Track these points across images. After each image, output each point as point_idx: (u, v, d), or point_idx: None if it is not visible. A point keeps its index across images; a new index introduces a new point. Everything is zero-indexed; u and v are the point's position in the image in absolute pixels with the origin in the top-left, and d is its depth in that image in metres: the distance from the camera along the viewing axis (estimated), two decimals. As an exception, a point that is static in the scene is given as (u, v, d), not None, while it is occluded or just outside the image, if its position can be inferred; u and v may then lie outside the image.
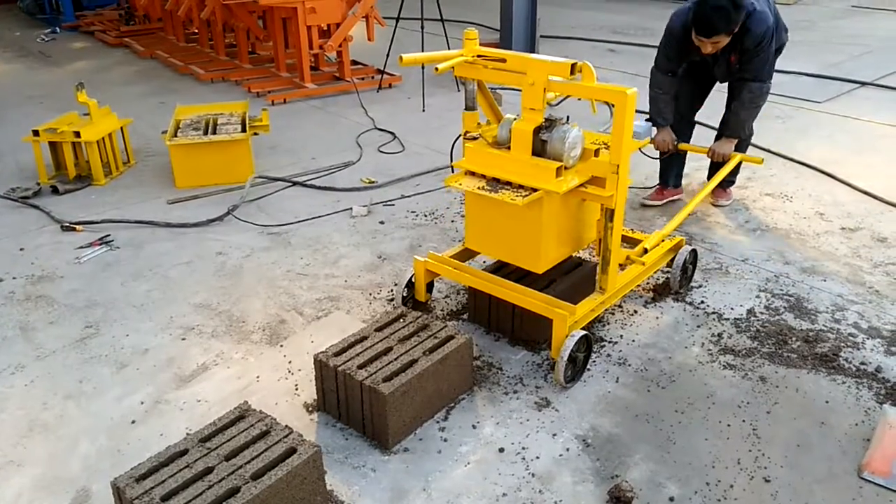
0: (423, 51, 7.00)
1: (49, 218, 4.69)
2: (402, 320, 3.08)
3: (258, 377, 3.18)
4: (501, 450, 2.75)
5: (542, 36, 8.54)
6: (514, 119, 3.13)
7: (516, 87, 3.09)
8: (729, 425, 2.86)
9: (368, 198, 4.94)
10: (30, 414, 2.98)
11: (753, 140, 5.67)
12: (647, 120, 4.08)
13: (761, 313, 3.58)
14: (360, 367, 2.78)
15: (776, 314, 3.57)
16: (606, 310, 3.53)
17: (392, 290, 3.81)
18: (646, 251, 3.38)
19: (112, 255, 4.24)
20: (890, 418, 2.76)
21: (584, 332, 3.05)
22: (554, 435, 2.82)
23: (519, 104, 3.10)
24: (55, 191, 5.08)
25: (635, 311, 3.61)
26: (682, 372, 3.17)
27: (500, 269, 3.44)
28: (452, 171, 3.31)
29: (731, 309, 3.62)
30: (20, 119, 6.56)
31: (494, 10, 8.62)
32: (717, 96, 4.65)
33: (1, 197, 4.99)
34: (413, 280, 3.54)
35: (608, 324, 3.51)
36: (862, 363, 3.21)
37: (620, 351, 3.31)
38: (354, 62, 8.17)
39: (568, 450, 2.75)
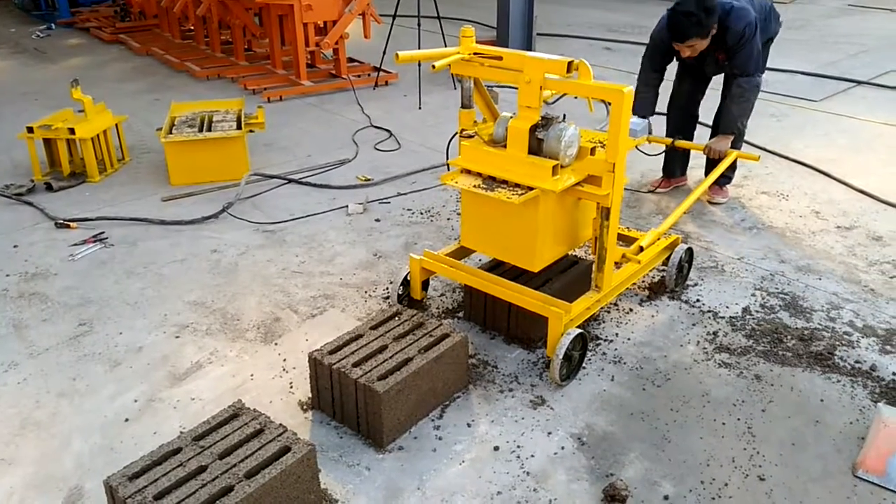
0: (419, 48, 7.00)
1: (43, 215, 4.67)
2: (397, 318, 3.07)
3: (252, 375, 3.17)
4: (496, 448, 2.75)
5: (538, 34, 8.54)
6: (511, 117, 3.12)
7: (513, 85, 3.08)
8: (724, 424, 2.86)
9: (364, 195, 4.92)
10: (22, 412, 2.96)
11: (750, 138, 5.70)
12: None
13: (756, 312, 3.58)
14: (355, 365, 2.77)
15: (771, 312, 3.57)
16: (602, 308, 3.52)
17: (387, 289, 3.80)
18: (641, 249, 3.38)
19: (106, 253, 4.22)
20: (884, 417, 2.75)
21: (579, 331, 3.05)
22: (549, 433, 2.82)
23: (516, 102, 3.09)
24: (49, 188, 5.05)
25: (631, 310, 3.61)
26: (678, 370, 3.17)
27: (496, 267, 3.44)
28: (448, 169, 3.31)
29: (727, 307, 3.62)
30: (14, 116, 6.53)
31: (491, 7, 8.61)
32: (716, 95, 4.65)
33: (-5, 194, 4.97)
34: (409, 278, 3.53)
35: (603, 322, 3.51)
36: (857, 362, 3.21)
37: (616, 349, 3.31)
38: (351, 59, 8.15)
39: (563, 448, 2.74)
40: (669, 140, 4.27)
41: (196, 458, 2.33)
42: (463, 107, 3.35)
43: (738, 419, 2.88)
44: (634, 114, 4.25)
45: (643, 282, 3.83)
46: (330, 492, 2.55)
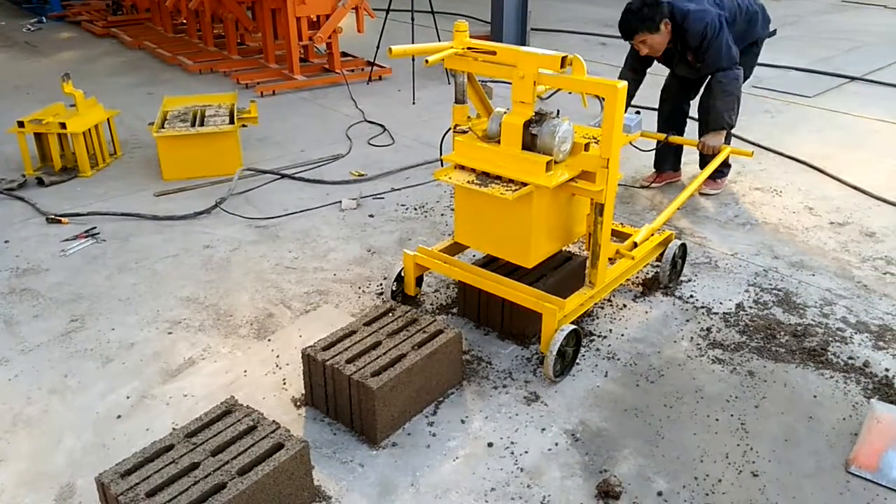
0: (413, 43, 6.98)
1: (34, 210, 4.64)
2: (391, 314, 3.06)
3: (245, 371, 3.15)
4: (490, 444, 2.74)
5: (532, 29, 8.52)
6: (505, 113, 3.11)
7: (507, 80, 3.07)
8: (717, 420, 2.87)
9: (358, 191, 4.91)
10: (13, 409, 2.95)
11: (743, 134, 5.72)
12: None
13: (750, 308, 3.59)
14: (349, 361, 2.76)
15: (765, 308, 3.58)
16: (596, 304, 3.52)
17: (381, 284, 3.79)
18: (635, 245, 3.37)
19: (98, 248, 4.19)
20: (877, 413, 2.77)
21: (573, 327, 3.05)
22: (543, 429, 2.81)
23: (510, 97, 3.08)
24: (41, 182, 5.02)
25: (624, 306, 3.60)
26: (671, 366, 3.17)
27: (490, 263, 3.43)
28: (442, 165, 3.30)
29: (720, 303, 3.62)
30: (5, 110, 6.47)
31: (485, 2, 8.58)
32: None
33: (-15, 189, 4.94)
34: (402, 274, 3.53)
35: (597, 318, 3.50)
36: (850, 358, 3.22)
37: (609, 345, 3.31)
38: (344, 54, 8.12)
39: (557, 444, 2.74)
40: (663, 136, 4.28)
41: (188, 455, 2.32)
42: (457, 102, 3.33)
43: (732, 415, 2.89)
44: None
45: (637, 278, 3.83)
46: (323, 488, 2.55)
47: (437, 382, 2.93)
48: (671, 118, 4.76)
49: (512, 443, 2.75)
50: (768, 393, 3.01)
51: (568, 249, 3.60)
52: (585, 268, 3.28)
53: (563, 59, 2.84)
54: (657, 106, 4.85)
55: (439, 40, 3.44)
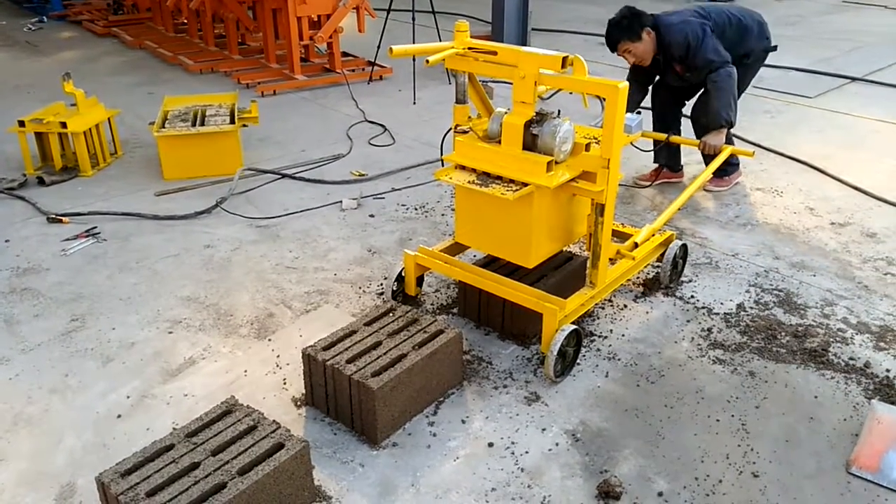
0: (414, 43, 6.98)
1: (35, 209, 4.64)
2: (391, 314, 3.06)
3: (246, 371, 3.15)
4: (491, 444, 2.74)
5: (533, 29, 8.52)
6: (505, 113, 3.11)
7: (507, 80, 3.06)
8: (718, 420, 2.86)
9: (358, 191, 4.91)
10: (14, 408, 2.94)
11: (744, 135, 5.72)
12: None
13: (751, 308, 3.58)
14: (349, 361, 2.76)
15: (766, 309, 3.57)
16: (596, 304, 3.52)
17: (382, 284, 3.79)
18: (636, 245, 3.37)
19: (98, 248, 4.19)
20: (878, 413, 2.76)
21: (574, 327, 3.04)
22: (543, 430, 2.81)
23: (510, 97, 3.08)
24: (41, 182, 5.02)
25: (625, 306, 3.60)
26: (672, 367, 3.17)
27: (491, 263, 3.43)
28: (443, 165, 3.29)
29: (721, 304, 3.62)
30: (6, 109, 6.47)
31: (486, 2, 8.57)
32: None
33: (-14, 188, 4.94)
34: (403, 274, 3.52)
35: (598, 318, 3.50)
36: (851, 358, 3.21)
37: (610, 346, 3.31)
38: (345, 54, 8.12)
39: (557, 444, 2.74)
40: (664, 135, 4.29)
41: (189, 455, 2.32)
42: (458, 102, 3.33)
43: (733, 416, 2.89)
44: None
45: (637, 278, 3.82)
46: (324, 488, 2.54)
47: (438, 382, 2.93)
48: (665, 119, 4.78)
49: (512, 443, 2.75)
50: (769, 393, 3.01)
51: (568, 250, 3.60)
52: (586, 268, 3.27)
53: (564, 59, 2.84)
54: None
55: (440, 40, 3.45)
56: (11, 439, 2.78)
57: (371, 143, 5.83)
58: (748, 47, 4.46)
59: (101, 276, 3.89)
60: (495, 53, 3.07)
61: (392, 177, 5.16)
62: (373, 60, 7.64)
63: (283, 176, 5.15)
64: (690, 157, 5.07)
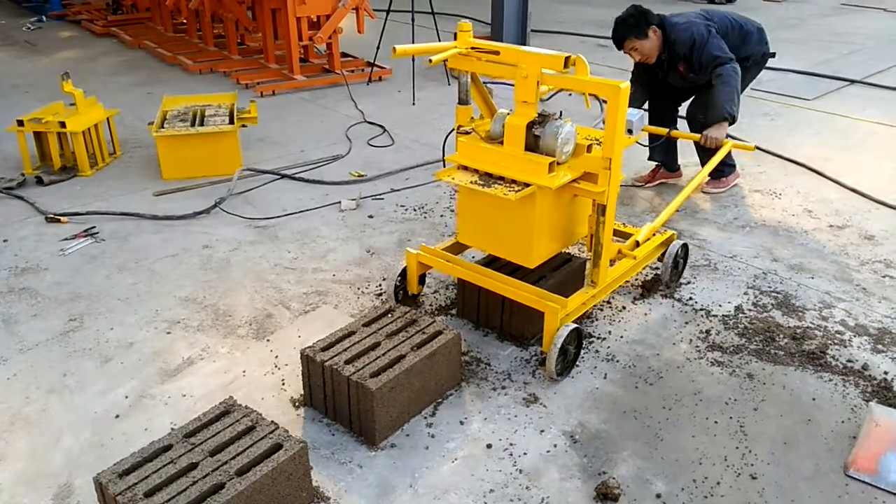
0: (413, 44, 6.98)
1: (33, 209, 4.63)
2: (390, 315, 3.06)
3: (244, 372, 3.15)
4: (489, 446, 2.74)
5: (532, 30, 8.52)
6: (508, 114, 3.12)
7: (507, 81, 3.07)
8: (716, 422, 2.87)
9: (357, 191, 4.91)
10: (11, 408, 2.94)
11: (743, 136, 5.71)
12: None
13: (749, 310, 3.59)
14: (348, 362, 2.76)
15: (764, 311, 3.58)
16: (595, 305, 3.52)
17: (380, 285, 3.79)
18: (637, 244, 3.38)
19: (97, 248, 4.19)
20: (876, 416, 2.76)
21: (574, 326, 3.05)
22: (541, 431, 2.81)
23: (510, 98, 3.08)
24: (40, 182, 5.01)
25: (624, 308, 3.60)
26: (670, 368, 3.17)
27: (491, 263, 3.43)
28: (444, 166, 3.31)
29: (720, 306, 3.62)
30: (4, 109, 6.47)
31: (486, 3, 8.58)
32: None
33: (-16, 187, 4.93)
34: (405, 272, 3.53)
35: (597, 320, 3.50)
36: (849, 361, 3.22)
37: (609, 347, 3.31)
38: (344, 54, 8.12)
39: (555, 446, 2.74)
40: (665, 130, 4.31)
41: (187, 456, 2.31)
42: (460, 103, 3.33)
43: (731, 418, 2.89)
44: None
45: (636, 280, 3.83)
46: (322, 489, 2.54)
47: (436, 383, 2.93)
48: (660, 115, 4.79)
49: (511, 444, 2.75)
50: (767, 395, 3.01)
51: (567, 251, 3.60)
52: (585, 270, 3.28)
53: (567, 59, 2.86)
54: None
55: (440, 41, 3.45)
56: (9, 439, 2.78)
57: (370, 144, 5.83)
58: (748, 51, 4.52)
59: (99, 276, 3.89)
60: (498, 53, 3.08)
61: (391, 178, 5.16)
62: (372, 61, 7.65)
63: (282, 176, 5.15)
64: (689, 158, 5.07)
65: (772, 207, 4.71)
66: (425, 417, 2.88)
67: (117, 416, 2.89)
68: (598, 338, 3.37)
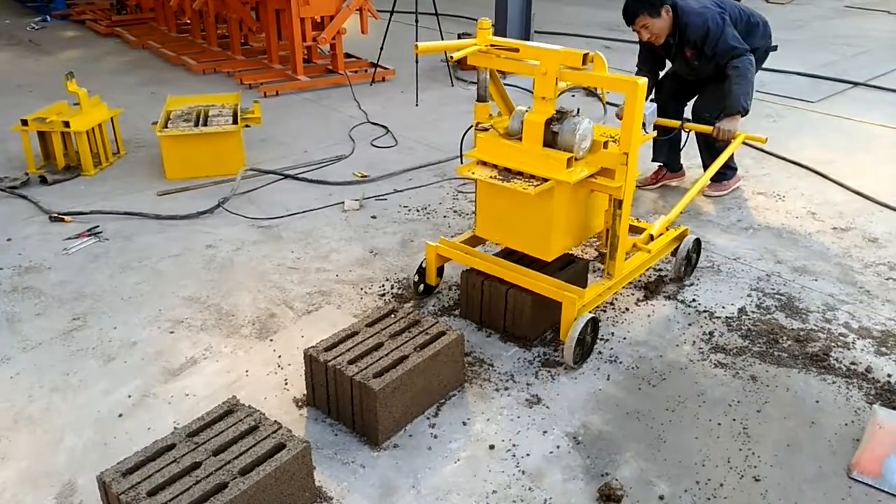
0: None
1: (37, 208, 4.64)
2: (393, 316, 3.06)
3: (247, 371, 3.15)
4: (492, 447, 2.74)
5: (536, 31, 8.51)
6: (526, 111, 3.19)
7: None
8: (719, 424, 2.86)
9: (360, 192, 4.91)
10: (15, 407, 2.95)
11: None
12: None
13: (752, 312, 3.58)
14: (351, 362, 2.76)
15: (767, 313, 3.57)
16: (598, 307, 3.52)
17: (383, 286, 3.79)
18: (651, 238, 3.44)
19: (101, 247, 4.19)
20: (879, 418, 2.76)
21: (592, 315, 3.13)
22: (544, 432, 2.81)
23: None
24: (44, 181, 5.02)
25: (627, 309, 3.60)
26: (673, 370, 3.17)
27: (506, 256, 3.48)
28: (462, 162, 3.40)
29: (723, 307, 3.62)
30: (9, 108, 6.48)
31: (489, 5, 8.57)
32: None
33: (-12, 186, 4.94)
34: (423, 265, 3.59)
35: (600, 321, 3.50)
36: (852, 363, 3.21)
37: (612, 348, 3.31)
38: (348, 55, 8.12)
39: (558, 447, 2.74)
40: (678, 122, 4.32)
41: (190, 455, 2.32)
42: (479, 100, 3.39)
43: (734, 420, 2.88)
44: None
45: (639, 281, 3.82)
46: (325, 489, 2.54)
47: (439, 384, 2.93)
48: (668, 108, 4.77)
49: (513, 445, 2.75)
50: (770, 398, 3.00)
51: (570, 253, 3.60)
52: (587, 270, 3.31)
53: (585, 55, 2.93)
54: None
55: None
56: (12, 438, 2.78)
57: (373, 145, 5.83)
58: (754, 44, 4.49)
59: (102, 276, 3.89)
60: (517, 50, 3.15)
61: (394, 178, 5.17)
62: (375, 62, 7.65)
63: (286, 176, 5.16)
64: (692, 161, 5.07)
65: (775, 209, 4.70)
66: (428, 418, 2.88)
67: (120, 416, 2.90)
68: (601, 339, 3.37)
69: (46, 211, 4.58)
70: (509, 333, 3.36)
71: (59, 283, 3.82)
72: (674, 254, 3.78)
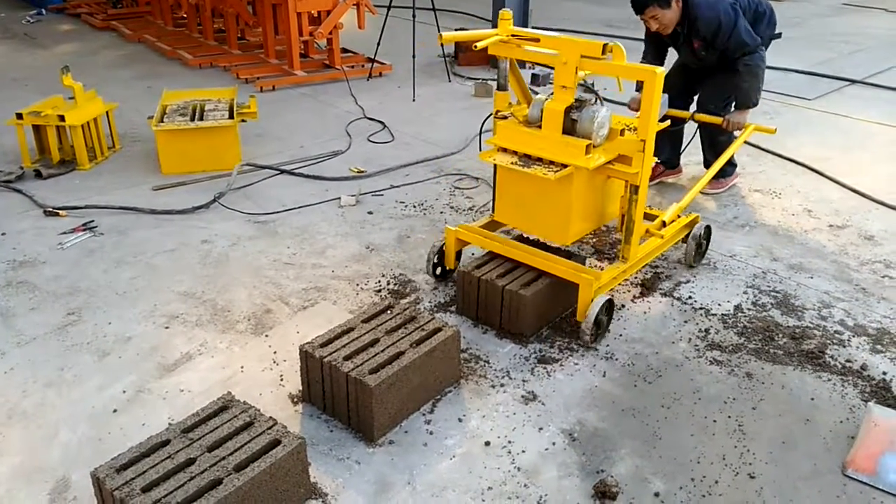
0: (413, 40, 6.96)
1: (32, 202, 4.62)
2: (389, 312, 3.05)
3: (242, 367, 3.14)
4: (487, 443, 2.74)
5: (533, 28, 8.50)
6: (545, 100, 3.28)
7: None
8: (715, 421, 2.86)
9: (357, 187, 4.90)
10: (9, 402, 2.93)
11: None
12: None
13: (748, 309, 3.58)
14: (346, 358, 2.75)
15: (763, 310, 3.57)
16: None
17: (379, 282, 3.79)
18: (664, 224, 3.53)
19: (95, 242, 4.18)
20: (874, 416, 2.76)
21: (609, 296, 3.26)
22: (540, 429, 2.81)
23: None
24: (38, 175, 5.00)
25: (623, 306, 3.60)
26: (669, 367, 3.17)
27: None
28: (480, 149, 3.58)
29: (719, 305, 3.62)
30: (4, 102, 6.45)
31: (486, 1, 8.56)
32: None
33: (-17, 180, 4.92)
34: (444, 248, 3.68)
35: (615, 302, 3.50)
36: (847, 361, 3.21)
37: (608, 345, 3.30)
38: (344, 50, 8.10)
39: (554, 444, 2.74)
40: (688, 114, 4.36)
41: (185, 451, 2.31)
42: (499, 88, 3.49)
43: (729, 417, 2.89)
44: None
45: (635, 278, 3.82)
46: (320, 486, 2.54)
47: (435, 380, 2.93)
48: (676, 100, 4.76)
49: (509, 442, 2.74)
50: (766, 395, 3.01)
51: (568, 248, 3.60)
52: (584, 264, 3.35)
53: (605, 46, 3.02)
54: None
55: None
56: (6, 433, 2.77)
57: (370, 140, 5.82)
58: (759, 33, 4.47)
59: (97, 270, 3.88)
60: (538, 41, 3.25)
61: (391, 174, 5.15)
62: (373, 57, 7.63)
63: (282, 172, 5.14)
64: (689, 158, 5.07)
65: (772, 207, 4.70)
66: (424, 414, 2.88)
67: (115, 411, 2.89)
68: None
69: (41, 205, 4.56)
70: (505, 330, 3.36)
71: (53, 277, 3.81)
72: (684, 240, 3.89)
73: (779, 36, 4.71)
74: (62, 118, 4.99)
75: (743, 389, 3.04)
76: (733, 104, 4.46)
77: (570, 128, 3.23)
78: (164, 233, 4.28)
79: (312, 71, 7.58)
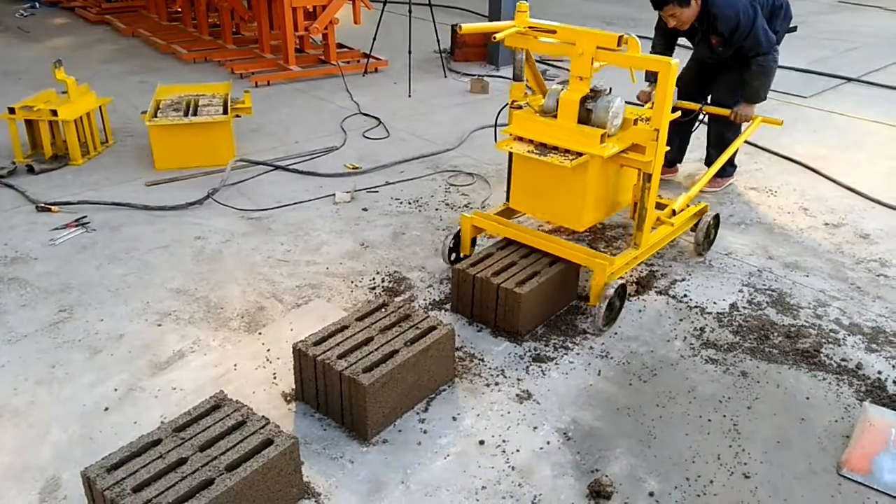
0: (409, 35, 6.94)
1: (24, 198, 4.59)
2: (383, 310, 3.04)
3: (235, 365, 3.12)
4: (481, 442, 2.72)
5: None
6: (560, 90, 3.37)
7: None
8: (710, 420, 2.86)
9: (352, 184, 4.87)
10: (-1, 399, 2.91)
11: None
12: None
13: (744, 308, 3.58)
14: (340, 356, 2.74)
15: (758, 309, 3.57)
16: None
17: (374, 279, 3.77)
18: (674, 213, 3.63)
19: (88, 238, 4.15)
20: (870, 415, 2.76)
21: (622, 281, 3.33)
22: (534, 428, 2.80)
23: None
24: (31, 170, 4.96)
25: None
26: (664, 366, 3.16)
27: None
28: (496, 140, 3.66)
29: (714, 303, 3.61)
30: (-4, 96, 6.40)
31: (483, -5, 8.54)
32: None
33: (-26, 175, 4.88)
34: (459, 235, 3.76)
35: (591, 316, 3.49)
36: (843, 360, 3.21)
37: (603, 344, 3.29)
38: (340, 45, 8.07)
39: (548, 443, 2.73)
40: (697, 105, 4.42)
41: (176, 450, 2.29)
42: (515, 79, 3.57)
43: (724, 416, 2.88)
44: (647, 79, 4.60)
45: (631, 276, 3.81)
46: (312, 485, 2.52)
47: (429, 379, 2.91)
48: (689, 95, 4.73)
49: (503, 441, 2.73)
50: (761, 394, 3.00)
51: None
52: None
53: (620, 37, 3.10)
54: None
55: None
56: (-4, 431, 2.75)
57: (365, 136, 5.79)
58: (775, 27, 4.50)
59: (89, 267, 3.85)
60: (555, 32, 3.34)
61: (386, 170, 5.13)
62: (368, 52, 7.60)
63: (276, 168, 5.11)
64: (690, 154, 5.06)
65: (767, 205, 4.69)
66: (418, 413, 2.86)
67: (106, 409, 2.86)
68: (592, 334, 3.35)
69: (33, 201, 4.52)
70: (500, 328, 3.35)
71: (45, 274, 3.78)
72: (693, 229, 3.96)
73: (794, 29, 4.74)
74: (55, 113, 4.95)
75: (738, 388, 3.03)
76: (743, 99, 4.46)
77: (585, 117, 3.32)
78: (157, 229, 4.26)
79: (308, 66, 7.54)
